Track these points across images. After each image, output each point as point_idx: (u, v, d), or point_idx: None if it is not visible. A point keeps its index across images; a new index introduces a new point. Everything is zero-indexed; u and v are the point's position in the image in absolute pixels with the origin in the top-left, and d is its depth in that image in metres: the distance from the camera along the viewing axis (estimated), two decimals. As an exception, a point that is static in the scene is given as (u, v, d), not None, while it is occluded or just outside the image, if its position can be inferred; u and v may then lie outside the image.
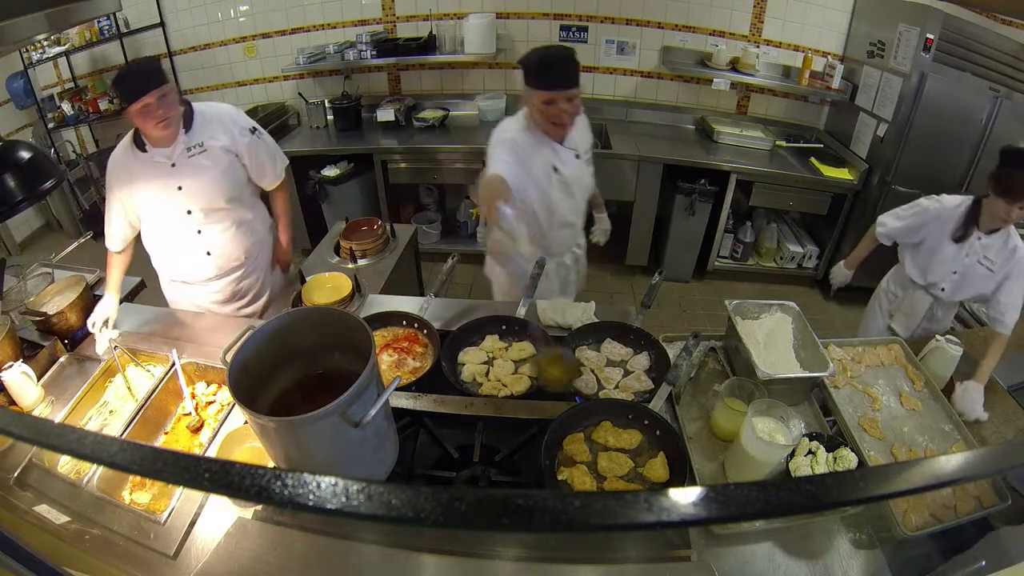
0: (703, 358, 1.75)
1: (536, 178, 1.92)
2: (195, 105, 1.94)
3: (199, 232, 1.99)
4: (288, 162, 2.22)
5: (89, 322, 1.85)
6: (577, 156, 1.98)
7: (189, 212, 1.94)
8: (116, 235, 1.98)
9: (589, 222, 2.30)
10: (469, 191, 1.94)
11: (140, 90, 1.69)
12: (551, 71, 1.76)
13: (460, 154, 3.82)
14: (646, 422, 1.41)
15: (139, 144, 1.86)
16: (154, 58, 1.78)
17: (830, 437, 1.42)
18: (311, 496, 0.43)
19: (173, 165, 1.87)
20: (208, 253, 2.03)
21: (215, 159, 1.93)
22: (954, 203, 2.02)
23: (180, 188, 1.89)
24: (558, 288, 2.23)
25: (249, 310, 2.25)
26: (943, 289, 2.09)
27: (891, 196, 3.38)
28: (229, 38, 4.09)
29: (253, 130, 2.04)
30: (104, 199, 2.00)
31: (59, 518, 1.35)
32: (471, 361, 1.67)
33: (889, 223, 2.16)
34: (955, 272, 2.03)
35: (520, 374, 1.63)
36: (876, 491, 0.49)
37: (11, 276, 2.08)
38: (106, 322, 1.86)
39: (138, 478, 1.42)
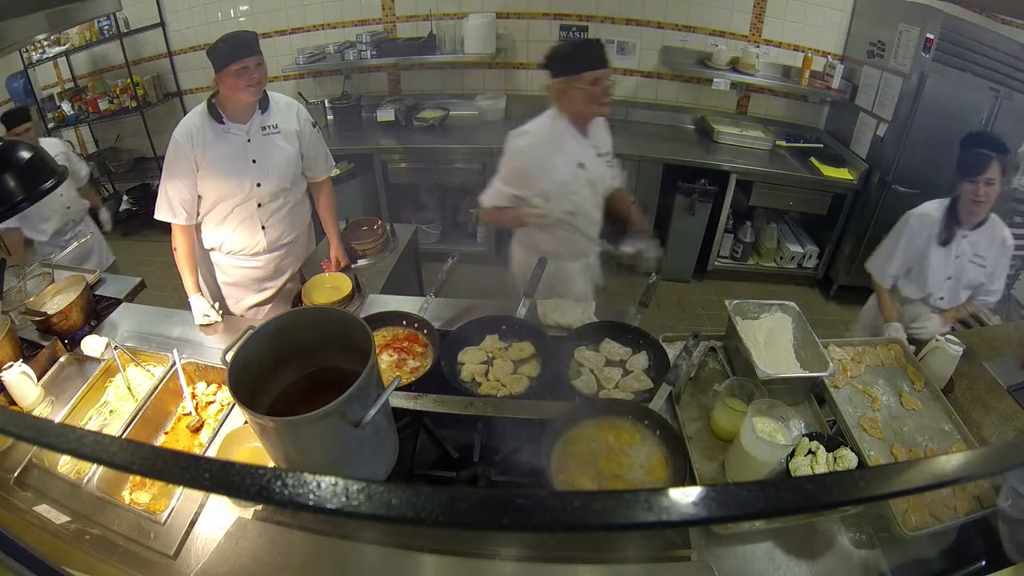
0: (703, 358, 1.75)
1: (560, 175, 1.95)
2: (268, 92, 2.06)
3: (259, 206, 2.12)
4: (335, 163, 2.38)
5: (201, 322, 1.99)
6: (599, 154, 2.02)
7: (259, 185, 2.07)
8: (180, 202, 2.02)
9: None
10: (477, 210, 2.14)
11: (243, 53, 1.84)
12: (595, 50, 1.83)
13: (460, 154, 3.82)
14: (646, 422, 1.41)
15: (216, 116, 1.97)
16: (253, 32, 1.95)
17: (830, 437, 1.42)
18: (311, 496, 0.43)
19: (249, 140, 2.02)
20: (263, 227, 2.16)
21: (289, 141, 2.11)
22: (934, 207, 2.07)
23: (254, 161, 2.04)
24: (589, 291, 2.22)
25: (290, 285, 2.39)
26: (941, 298, 2.09)
27: (891, 196, 3.38)
28: (229, 38, 4.11)
29: (314, 124, 2.22)
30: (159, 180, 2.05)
31: (59, 518, 1.35)
32: (470, 361, 1.67)
33: (882, 265, 2.16)
34: (949, 277, 2.06)
35: (519, 374, 1.63)
36: (876, 491, 0.49)
37: (11, 276, 2.08)
38: (209, 313, 2.01)
39: (138, 478, 1.42)
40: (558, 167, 1.94)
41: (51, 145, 2.81)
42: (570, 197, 1.98)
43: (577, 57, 1.84)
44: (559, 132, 1.94)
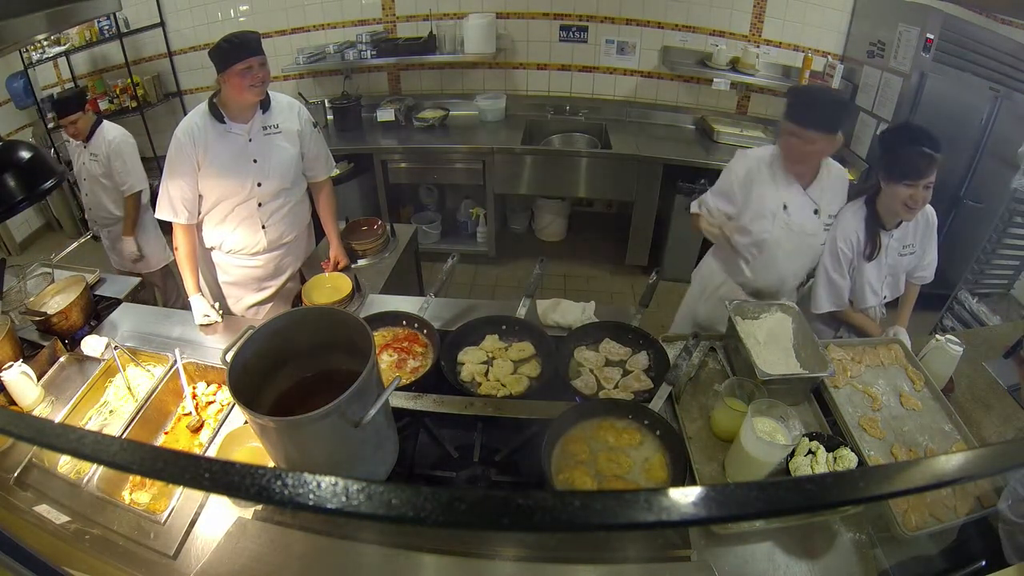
0: (703, 358, 1.75)
1: (762, 209, 1.92)
2: (270, 92, 2.06)
3: (259, 205, 2.12)
4: (335, 163, 2.39)
5: (201, 322, 2.00)
6: (816, 212, 1.93)
7: (259, 184, 2.07)
8: (181, 201, 2.02)
9: None
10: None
11: (247, 53, 1.85)
12: (808, 106, 1.80)
13: (460, 154, 3.82)
14: (646, 422, 1.41)
15: (217, 116, 1.97)
16: (256, 32, 1.96)
17: (830, 437, 1.42)
18: (311, 496, 0.43)
19: (250, 140, 2.02)
20: (263, 227, 2.16)
21: (290, 140, 2.12)
22: (852, 217, 1.92)
23: (255, 161, 2.05)
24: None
25: (290, 285, 2.39)
26: (885, 297, 2.03)
27: (891, 196, 3.38)
28: (229, 38, 4.11)
29: (315, 124, 2.23)
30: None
31: (59, 518, 1.34)
32: (470, 361, 1.67)
33: (834, 295, 1.98)
34: (887, 276, 1.99)
35: (519, 374, 1.63)
36: (876, 491, 0.48)
37: (11, 276, 2.08)
38: (209, 313, 2.02)
39: (138, 478, 1.42)
40: (761, 197, 1.91)
41: (112, 130, 2.77)
42: (760, 232, 1.93)
43: (792, 103, 1.83)
44: (776, 167, 1.91)
